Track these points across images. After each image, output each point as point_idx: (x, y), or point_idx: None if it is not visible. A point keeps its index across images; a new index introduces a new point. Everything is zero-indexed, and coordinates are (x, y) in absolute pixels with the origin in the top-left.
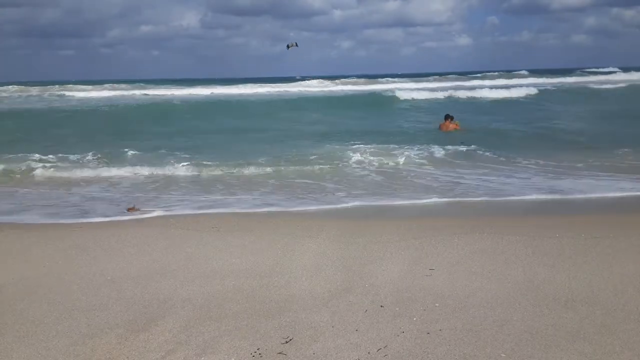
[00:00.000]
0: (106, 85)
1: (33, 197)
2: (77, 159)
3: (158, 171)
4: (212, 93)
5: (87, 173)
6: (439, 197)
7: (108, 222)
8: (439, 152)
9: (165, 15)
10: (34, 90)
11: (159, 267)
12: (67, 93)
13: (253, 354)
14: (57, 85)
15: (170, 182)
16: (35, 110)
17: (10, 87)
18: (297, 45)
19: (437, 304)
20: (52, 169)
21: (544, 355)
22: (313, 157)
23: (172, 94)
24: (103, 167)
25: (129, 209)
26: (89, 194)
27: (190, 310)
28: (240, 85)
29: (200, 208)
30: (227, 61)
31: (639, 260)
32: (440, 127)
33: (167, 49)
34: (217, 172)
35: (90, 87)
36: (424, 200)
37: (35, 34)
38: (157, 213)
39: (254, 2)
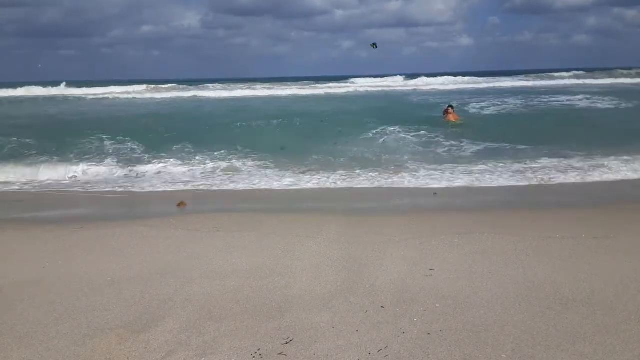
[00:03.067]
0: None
1: None
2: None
3: None
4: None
5: None
6: None
7: (108, 222)
8: None
9: (166, 16)
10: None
11: (159, 268)
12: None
13: (253, 354)
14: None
15: None
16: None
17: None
18: (376, 46)
19: (437, 305)
20: None
21: (544, 356)
22: None
23: (243, 95)
24: None
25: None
26: None
27: (190, 310)
28: (314, 85)
29: None
30: (227, 61)
31: (639, 260)
32: (445, 117)
33: (168, 49)
34: None
35: (131, 87)
36: None
37: (35, 34)
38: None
39: (255, 2)
